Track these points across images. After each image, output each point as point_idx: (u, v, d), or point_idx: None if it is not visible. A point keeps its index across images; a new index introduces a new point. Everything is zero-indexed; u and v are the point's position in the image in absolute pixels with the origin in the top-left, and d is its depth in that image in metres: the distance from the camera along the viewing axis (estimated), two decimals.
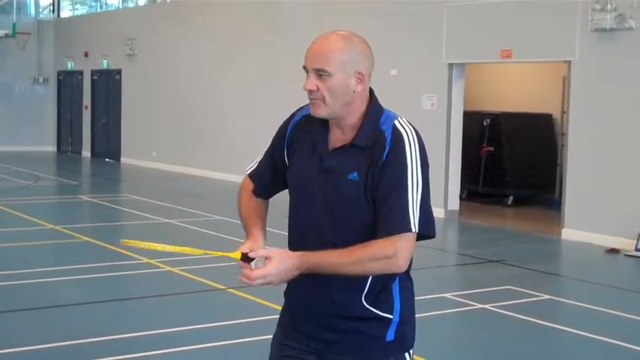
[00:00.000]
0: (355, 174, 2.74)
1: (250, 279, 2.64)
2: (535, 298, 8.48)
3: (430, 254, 10.91)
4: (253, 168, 3.07)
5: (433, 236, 2.82)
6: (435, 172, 14.21)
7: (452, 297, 8.43)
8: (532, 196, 16.05)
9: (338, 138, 2.83)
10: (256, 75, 18.45)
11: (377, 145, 2.74)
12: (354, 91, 2.77)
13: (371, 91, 2.88)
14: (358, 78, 2.77)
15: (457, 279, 10.08)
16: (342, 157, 2.79)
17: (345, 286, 2.78)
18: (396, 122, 2.79)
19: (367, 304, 2.79)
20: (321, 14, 16.23)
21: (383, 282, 2.80)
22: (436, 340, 6.96)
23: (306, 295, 2.87)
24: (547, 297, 8.55)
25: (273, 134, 3.04)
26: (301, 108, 2.97)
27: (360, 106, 2.81)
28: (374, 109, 2.83)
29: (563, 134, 15.77)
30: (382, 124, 2.78)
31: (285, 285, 2.92)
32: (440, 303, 8.12)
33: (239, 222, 3.00)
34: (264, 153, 3.06)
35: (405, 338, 2.88)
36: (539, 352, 6.86)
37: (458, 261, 11.03)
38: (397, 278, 2.84)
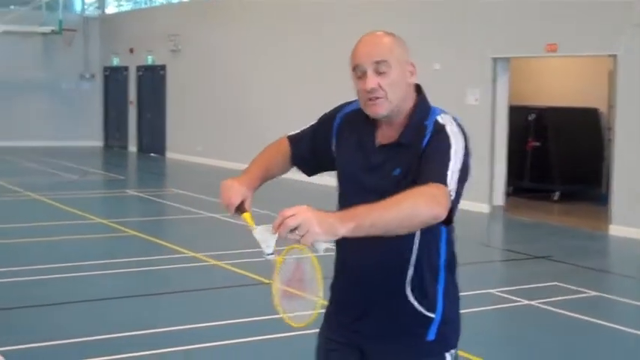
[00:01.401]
0: (399, 170, 2.74)
1: (283, 215, 2.35)
2: (582, 295, 8.39)
3: (475, 250, 10.86)
4: (296, 133, 3.08)
5: (452, 220, 2.68)
6: (480, 167, 14.15)
7: (497, 293, 8.38)
8: (578, 191, 15.87)
9: (385, 135, 2.82)
10: (300, 70, 18.47)
11: (418, 139, 2.74)
12: (409, 84, 2.79)
13: (419, 88, 2.87)
14: (410, 70, 2.79)
15: (502, 275, 10.01)
16: (387, 155, 2.79)
17: (390, 272, 2.77)
18: (439, 117, 2.78)
19: (411, 294, 2.77)
20: (363, 11, 16.19)
21: (427, 274, 2.78)
22: (481, 336, 6.92)
23: (351, 284, 2.87)
24: (594, 294, 8.46)
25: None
26: (349, 103, 2.97)
27: (410, 100, 2.81)
28: (422, 107, 2.82)
29: (609, 128, 15.58)
30: (426, 120, 2.77)
31: (333, 277, 2.92)
32: (485, 299, 8.08)
33: None
34: (307, 128, 3.06)
35: (446, 338, 2.86)
36: (585, 349, 6.81)
37: (503, 257, 10.96)
38: (442, 278, 2.83)
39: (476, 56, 14.14)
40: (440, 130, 2.72)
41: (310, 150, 3.03)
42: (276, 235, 2.41)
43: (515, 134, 14.80)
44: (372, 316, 2.83)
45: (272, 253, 2.54)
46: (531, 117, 15.60)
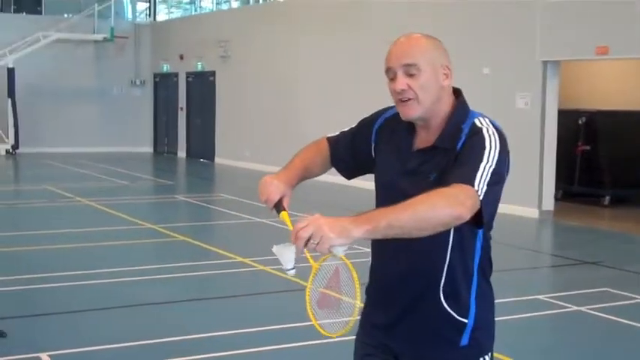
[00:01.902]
0: (435, 174, 2.72)
1: (296, 228, 2.39)
2: (632, 301, 8.28)
3: (524, 255, 10.78)
4: (336, 135, 3.10)
5: (483, 222, 2.60)
6: (528, 171, 14.04)
7: (546, 299, 8.31)
8: (629, 195, 15.66)
9: (422, 139, 2.82)
10: (347, 76, 18.49)
11: (454, 142, 2.72)
12: (443, 87, 2.76)
13: (459, 92, 2.86)
14: (445, 72, 2.76)
15: (551, 280, 9.92)
16: (424, 159, 2.78)
17: (423, 277, 2.77)
18: (476, 120, 2.76)
19: (444, 299, 2.76)
20: (411, 15, 16.16)
21: (459, 279, 2.77)
22: (530, 342, 6.87)
23: (384, 289, 2.88)
24: None
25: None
26: (390, 107, 2.97)
27: (446, 104, 2.79)
28: (461, 111, 2.80)
29: None
30: (464, 124, 2.75)
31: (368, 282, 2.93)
32: (534, 305, 8.01)
33: None
34: (346, 131, 3.08)
35: (480, 343, 2.84)
36: (636, 356, 6.71)
37: (552, 262, 10.85)
38: (475, 283, 2.81)
39: (525, 60, 14.03)
40: (476, 132, 2.70)
41: (350, 153, 3.04)
42: (294, 248, 2.43)
43: (565, 138, 14.66)
44: (406, 321, 2.83)
45: (293, 268, 2.54)
46: (581, 120, 15.43)
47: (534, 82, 13.93)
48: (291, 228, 2.48)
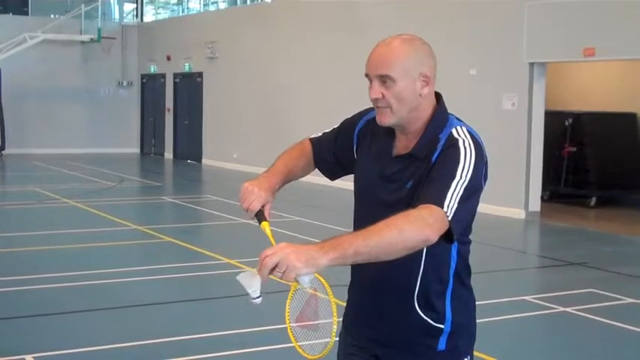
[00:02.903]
0: (411, 183, 2.70)
1: (262, 256, 2.37)
2: (618, 302, 8.31)
3: (510, 256, 10.81)
4: (318, 136, 3.09)
5: (453, 240, 2.59)
6: (515, 172, 14.06)
7: (532, 300, 8.33)
8: (615, 196, 15.73)
9: (402, 145, 2.79)
10: (337, 78, 18.50)
11: (430, 152, 2.69)
12: (421, 95, 2.71)
13: (439, 97, 2.81)
14: (423, 81, 2.70)
15: (538, 281, 9.94)
16: (402, 166, 2.76)
17: (397, 286, 2.77)
18: (454, 129, 2.71)
19: (418, 307, 2.77)
20: (399, 17, 16.18)
21: (434, 286, 2.77)
22: (516, 343, 6.89)
23: (363, 293, 2.89)
24: (630, 300, 8.38)
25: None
26: (372, 109, 2.92)
27: (426, 111, 2.75)
28: (439, 118, 2.75)
29: None
30: (441, 133, 2.71)
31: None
32: (520, 306, 8.03)
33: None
34: (329, 131, 3.07)
35: (458, 347, 2.84)
36: (621, 357, 6.73)
37: (539, 263, 10.88)
38: (450, 288, 2.80)
39: (512, 61, 14.07)
40: (452, 144, 2.66)
41: (332, 153, 3.03)
42: (259, 277, 2.40)
43: (552, 139, 14.71)
44: (385, 325, 2.83)
45: (259, 297, 2.50)
46: (568, 122, 15.49)
47: (521, 83, 13.96)
48: (271, 239, 2.47)
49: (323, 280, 2.47)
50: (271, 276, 2.38)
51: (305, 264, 2.34)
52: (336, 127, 3.06)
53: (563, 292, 8.72)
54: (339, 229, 10.22)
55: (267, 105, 21.06)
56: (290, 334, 2.58)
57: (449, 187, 2.56)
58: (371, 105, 2.85)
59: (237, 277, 2.49)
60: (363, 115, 2.99)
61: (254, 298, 2.50)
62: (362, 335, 2.90)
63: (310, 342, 2.57)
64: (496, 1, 14.53)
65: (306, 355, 2.56)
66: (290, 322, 2.60)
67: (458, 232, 2.58)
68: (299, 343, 2.57)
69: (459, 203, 2.55)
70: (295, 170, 3.05)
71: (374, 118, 2.87)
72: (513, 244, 11.90)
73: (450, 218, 2.53)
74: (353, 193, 2.95)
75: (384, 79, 2.67)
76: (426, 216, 2.49)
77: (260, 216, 2.81)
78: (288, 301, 2.59)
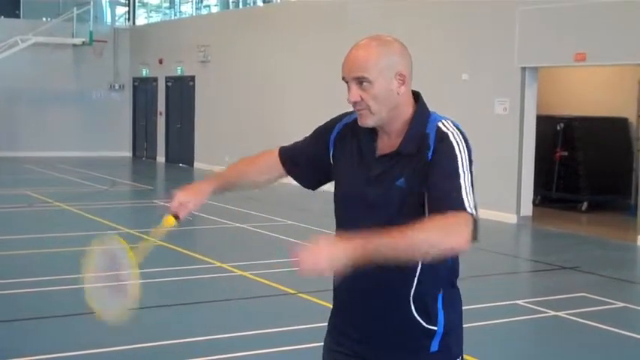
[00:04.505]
0: (402, 180, 2.71)
1: (301, 254, 2.44)
2: (610, 306, 8.34)
3: (502, 260, 10.82)
4: (288, 146, 3.11)
5: (477, 237, 2.65)
6: (507, 177, 14.04)
7: (524, 304, 8.34)
8: (607, 201, 15.77)
9: (385, 144, 2.80)
10: (329, 82, 18.50)
11: (422, 149, 2.71)
12: (398, 94, 2.73)
13: (417, 95, 2.83)
14: (399, 79, 2.73)
15: (529, 286, 9.96)
16: (388, 164, 2.76)
17: (393, 289, 2.77)
18: (440, 124, 2.74)
19: (414, 309, 2.77)
20: (391, 22, 16.20)
21: (429, 288, 2.77)
22: (508, 347, 6.90)
23: (354, 297, 2.87)
24: (622, 305, 8.40)
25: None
26: (349, 113, 2.94)
27: (405, 109, 2.77)
28: (421, 114, 2.78)
29: (638, 138, 15.50)
30: (427, 128, 2.74)
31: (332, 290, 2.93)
32: (512, 310, 8.04)
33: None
34: (300, 141, 3.09)
35: (450, 348, 2.85)
36: None
37: (530, 267, 10.90)
38: (443, 289, 2.81)
39: (504, 66, 14.10)
40: (443, 138, 2.70)
41: (305, 163, 3.02)
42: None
43: (543, 144, 14.74)
44: (377, 328, 2.82)
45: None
46: (559, 127, 15.53)
47: (513, 88, 14.00)
48: (155, 229, 2.63)
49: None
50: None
51: (330, 263, 2.45)
52: (308, 135, 3.06)
53: (555, 297, 8.75)
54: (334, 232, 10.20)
55: (259, 108, 21.05)
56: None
57: (462, 188, 2.61)
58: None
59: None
60: (339, 120, 2.99)
61: None
62: (352, 340, 2.87)
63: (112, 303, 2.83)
64: (488, 6, 14.56)
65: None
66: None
67: (478, 228, 2.64)
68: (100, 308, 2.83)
69: (474, 199, 2.63)
70: (247, 176, 3.14)
71: (353, 122, 2.89)
72: (505, 248, 11.92)
73: (474, 213, 2.60)
74: (334, 200, 2.93)
75: (361, 81, 2.70)
76: (454, 224, 2.55)
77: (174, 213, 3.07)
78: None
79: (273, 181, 3.17)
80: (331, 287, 2.95)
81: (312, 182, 3.09)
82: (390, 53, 2.73)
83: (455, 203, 2.58)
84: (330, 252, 2.43)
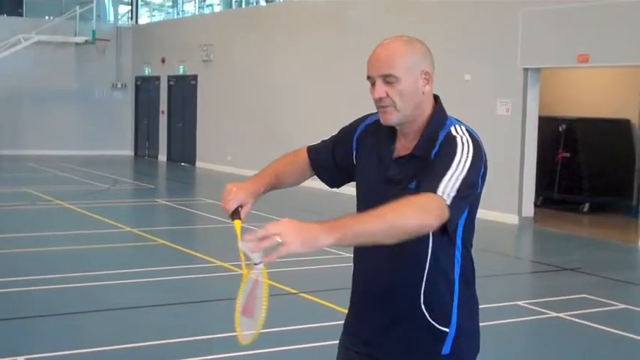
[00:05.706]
0: (414, 183, 2.73)
1: (258, 233, 2.39)
2: (611, 307, 8.34)
3: (503, 261, 10.82)
4: (316, 145, 3.11)
5: (455, 228, 2.68)
6: (509, 178, 14.04)
7: (525, 305, 8.34)
8: (608, 202, 15.76)
9: (402, 146, 2.82)
10: (332, 81, 18.51)
11: (430, 150, 2.74)
12: (423, 93, 2.76)
13: (436, 98, 2.86)
14: (425, 78, 2.76)
15: (531, 287, 9.96)
16: (403, 167, 2.78)
17: (403, 289, 2.78)
18: (452, 128, 2.76)
19: (425, 310, 2.77)
20: (394, 22, 16.20)
21: (440, 289, 2.77)
22: (509, 348, 6.89)
23: (365, 297, 2.89)
24: (623, 306, 8.41)
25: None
26: (372, 114, 2.97)
27: (426, 110, 2.80)
28: (437, 117, 2.80)
29: None
30: (441, 131, 2.76)
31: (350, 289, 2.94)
32: (513, 311, 8.04)
33: None
34: (327, 140, 3.10)
35: (462, 352, 2.84)
36: None
37: (532, 268, 10.90)
38: (456, 291, 2.81)
39: (506, 67, 14.10)
40: (450, 140, 2.71)
41: (331, 161, 3.05)
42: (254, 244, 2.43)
43: (546, 145, 14.74)
44: (388, 329, 2.83)
45: (261, 262, 2.54)
46: (562, 128, 15.53)
47: (515, 89, 13.99)
48: (239, 237, 2.48)
49: (265, 275, 2.54)
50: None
51: (303, 242, 2.35)
52: (334, 134, 3.08)
53: (556, 298, 8.75)
54: None
55: (262, 108, 21.06)
56: (237, 325, 2.70)
57: (444, 176, 2.60)
58: (367, 109, 2.87)
59: (240, 244, 2.51)
60: (362, 120, 3.02)
61: (256, 264, 2.57)
62: (364, 340, 2.89)
63: (250, 332, 2.69)
64: (491, 7, 14.56)
65: (243, 340, 2.69)
66: (240, 315, 2.73)
67: (454, 220, 2.62)
68: (243, 333, 2.69)
69: (456, 192, 2.59)
70: (285, 177, 3.09)
71: (374, 123, 2.92)
72: (506, 249, 11.92)
73: (448, 203, 2.56)
74: (356, 197, 2.96)
75: (388, 79, 2.72)
76: (425, 202, 2.54)
77: (235, 215, 2.91)
78: (240, 292, 2.68)
79: (303, 181, 3.19)
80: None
81: (337, 183, 3.13)
82: (415, 52, 2.76)
83: (430, 186, 2.58)
84: (297, 226, 2.36)
